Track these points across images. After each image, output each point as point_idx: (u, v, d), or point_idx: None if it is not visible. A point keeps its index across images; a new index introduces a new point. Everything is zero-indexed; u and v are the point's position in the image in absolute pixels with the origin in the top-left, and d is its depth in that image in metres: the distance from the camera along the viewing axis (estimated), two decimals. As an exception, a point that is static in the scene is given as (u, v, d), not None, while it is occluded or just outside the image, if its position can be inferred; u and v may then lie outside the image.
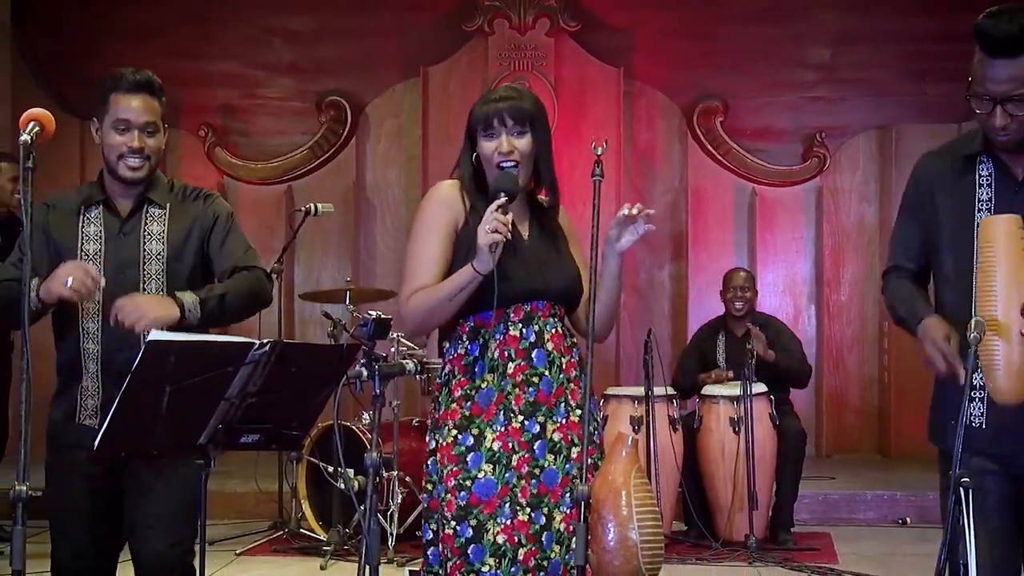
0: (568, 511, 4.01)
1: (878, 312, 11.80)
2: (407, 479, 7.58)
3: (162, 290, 4.45)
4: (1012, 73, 3.69)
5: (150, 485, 4.40)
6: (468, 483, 4.00)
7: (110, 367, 4.38)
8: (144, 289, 4.44)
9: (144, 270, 4.47)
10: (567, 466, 4.04)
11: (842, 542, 8.13)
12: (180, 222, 4.57)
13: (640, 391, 8.02)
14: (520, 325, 4.08)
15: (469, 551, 3.98)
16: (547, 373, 4.07)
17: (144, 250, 4.49)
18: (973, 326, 3.51)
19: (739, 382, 8.06)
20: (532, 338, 4.08)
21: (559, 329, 4.13)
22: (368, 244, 11.99)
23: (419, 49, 11.86)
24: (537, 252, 4.15)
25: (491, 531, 3.98)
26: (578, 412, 4.07)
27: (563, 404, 4.08)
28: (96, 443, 3.70)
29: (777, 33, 11.85)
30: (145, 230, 4.51)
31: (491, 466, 4.01)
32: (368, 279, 11.58)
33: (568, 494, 4.02)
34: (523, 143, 4.09)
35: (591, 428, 3.96)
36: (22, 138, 3.84)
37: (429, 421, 4.23)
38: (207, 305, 4.39)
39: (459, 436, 4.05)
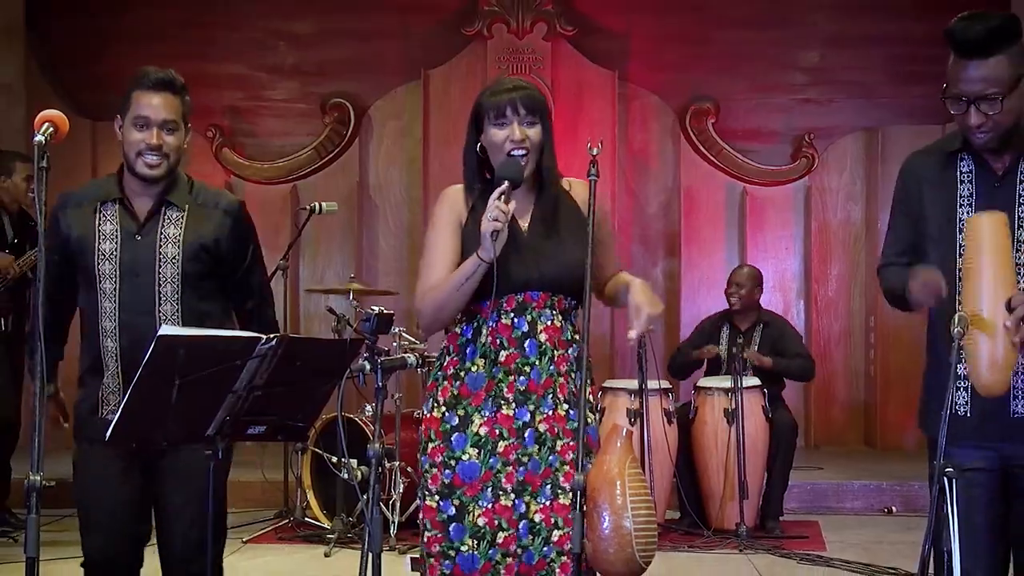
0: (547, 503, 4.00)
1: (864, 307, 11.83)
2: (409, 469, 7.59)
3: (176, 293, 4.44)
4: (984, 74, 3.73)
5: (179, 480, 4.39)
6: (452, 463, 4.02)
7: (131, 365, 4.30)
8: (159, 291, 4.42)
9: (159, 272, 4.44)
10: (550, 457, 4.02)
11: (830, 530, 8.14)
12: (198, 227, 4.52)
13: (635, 384, 8.02)
14: (512, 314, 4.05)
15: (451, 528, 4.01)
16: (537, 363, 4.05)
17: (159, 253, 4.45)
18: (956, 321, 3.53)
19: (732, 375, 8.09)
20: (524, 328, 4.05)
21: (555, 321, 4.08)
22: (371, 242, 11.99)
23: (420, 52, 11.86)
24: (534, 243, 4.10)
25: (473, 513, 3.99)
26: (565, 406, 4.06)
27: (551, 396, 4.05)
28: (108, 433, 3.71)
29: (767, 37, 11.86)
30: (162, 233, 4.47)
31: (476, 450, 4.02)
32: (371, 276, 11.58)
33: (548, 485, 4.01)
34: (534, 132, 4.06)
35: (587, 421, 3.95)
36: (37, 138, 3.84)
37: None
38: None
39: (446, 413, 4.07)
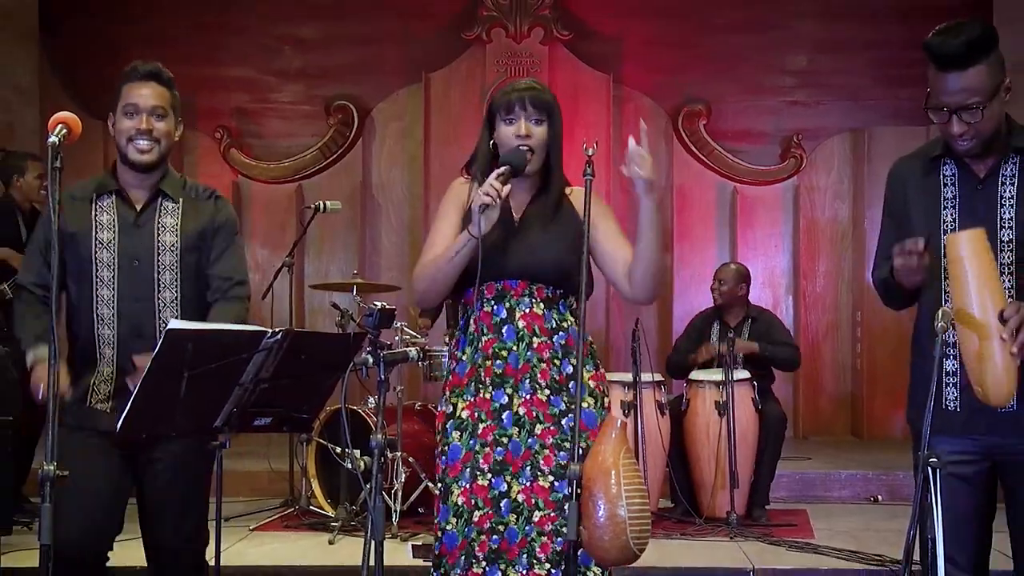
0: (527, 484, 4.04)
1: (851, 302, 11.85)
2: (410, 459, 7.58)
3: (176, 281, 4.43)
4: (963, 84, 3.73)
5: (163, 473, 4.37)
6: (445, 448, 4.12)
7: (126, 352, 4.33)
8: (158, 279, 4.41)
9: (159, 261, 4.43)
10: (529, 440, 4.07)
11: (817, 518, 8.13)
12: (193, 218, 4.52)
13: (629, 377, 8.02)
14: (493, 302, 4.14)
15: (440, 510, 4.09)
16: (515, 348, 4.10)
17: (158, 241, 4.45)
18: (940, 316, 3.53)
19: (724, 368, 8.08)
20: (503, 314, 4.12)
21: (535, 309, 4.13)
22: (374, 239, 12.00)
23: (421, 56, 11.86)
24: (521, 234, 4.17)
25: (455, 493, 4.06)
26: (547, 392, 4.10)
27: (528, 380, 4.09)
28: (119, 425, 3.70)
29: (757, 41, 11.87)
30: (159, 222, 4.47)
31: (459, 433, 4.10)
32: (374, 272, 11.60)
33: (528, 467, 4.05)
34: (540, 131, 4.15)
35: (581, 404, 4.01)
36: (50, 139, 3.83)
37: None
38: None
39: (445, 405, 4.18)
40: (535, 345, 4.12)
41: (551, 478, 4.02)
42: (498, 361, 4.10)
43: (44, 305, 4.44)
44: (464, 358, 4.15)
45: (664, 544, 7.20)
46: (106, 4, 11.69)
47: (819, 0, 11.84)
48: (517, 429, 4.06)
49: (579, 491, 3.74)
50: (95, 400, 4.38)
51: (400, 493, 7.51)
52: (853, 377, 11.90)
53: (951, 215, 3.90)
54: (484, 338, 4.12)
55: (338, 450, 7.72)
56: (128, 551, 4.71)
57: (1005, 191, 3.86)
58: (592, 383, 4.16)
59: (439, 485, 4.14)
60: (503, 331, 4.11)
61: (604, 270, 4.27)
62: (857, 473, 9.21)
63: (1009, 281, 3.81)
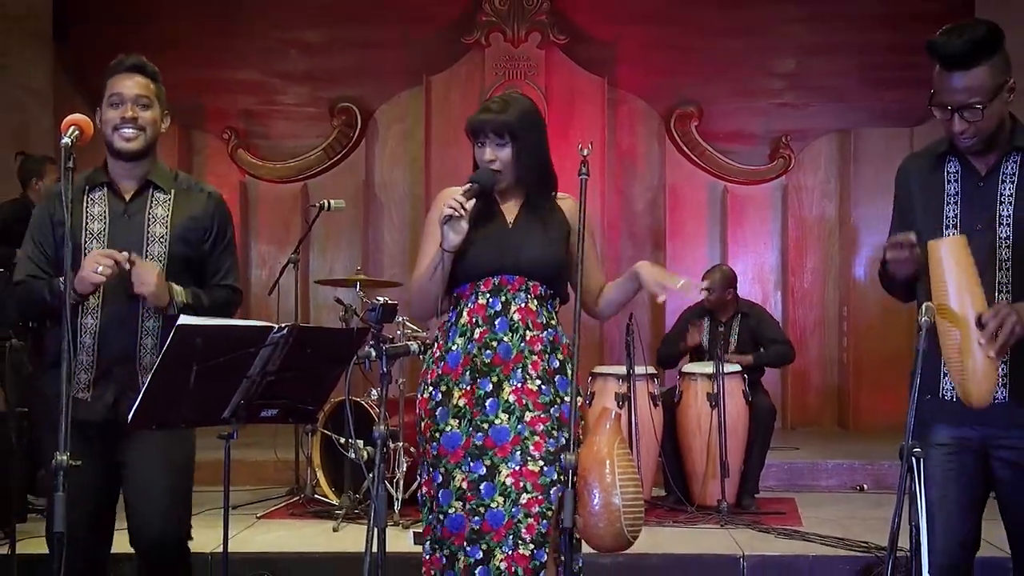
0: (517, 468, 4.06)
1: (838, 298, 11.84)
2: (412, 449, 7.58)
3: (163, 270, 4.32)
4: (966, 84, 3.73)
5: (144, 465, 4.30)
6: (437, 435, 4.13)
7: (106, 342, 4.29)
8: None
9: (147, 251, 4.35)
10: (519, 426, 4.09)
11: (805, 506, 8.13)
12: (184, 209, 4.46)
13: (623, 370, 8.02)
14: (488, 295, 4.18)
15: (440, 495, 4.11)
16: (507, 339, 4.14)
17: (148, 232, 4.39)
18: (924, 310, 3.54)
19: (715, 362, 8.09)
20: (498, 307, 4.16)
21: (530, 304, 4.19)
22: (376, 237, 12.00)
23: (422, 60, 11.85)
24: (516, 234, 4.23)
25: (457, 479, 4.08)
26: (538, 382, 4.14)
27: (520, 370, 4.13)
28: (130, 418, 3.69)
29: (747, 46, 11.85)
30: (150, 213, 4.42)
31: (456, 420, 4.12)
32: (376, 268, 11.60)
33: (517, 452, 4.07)
34: (504, 153, 4.19)
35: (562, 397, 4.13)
36: (63, 141, 3.83)
37: None
38: (187, 311, 4.22)
39: (432, 392, 4.19)
40: (528, 338, 4.16)
41: (541, 463, 4.05)
42: (487, 351, 4.13)
43: None
44: (455, 348, 4.17)
45: (657, 531, 7.20)
46: (117, 10, 11.67)
47: (806, 6, 11.82)
48: (506, 416, 4.09)
49: (575, 480, 3.76)
50: (75, 389, 4.27)
51: (402, 482, 7.51)
52: (840, 370, 11.90)
53: (953, 211, 3.91)
54: (478, 329, 4.16)
55: (342, 440, 7.72)
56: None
57: (1005, 188, 3.86)
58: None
59: (432, 471, 4.14)
60: (495, 323, 4.15)
61: (572, 280, 4.31)
62: (843, 463, 9.21)
63: (1005, 276, 3.82)
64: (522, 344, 4.14)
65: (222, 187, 4.82)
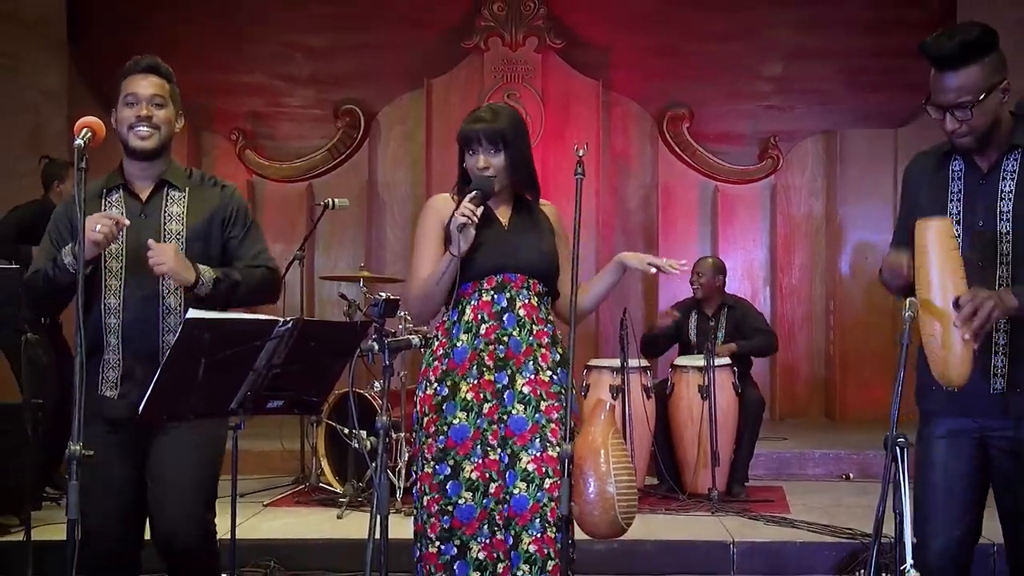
0: (538, 454, 4.08)
1: (825, 293, 11.85)
2: (413, 439, 7.57)
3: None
4: (957, 84, 3.74)
5: (168, 458, 4.23)
6: (445, 428, 4.14)
7: (130, 341, 4.24)
8: None
9: None
10: (536, 415, 4.13)
11: (793, 494, 8.13)
12: (199, 205, 4.40)
13: (617, 363, 8.02)
14: (493, 292, 4.21)
15: (448, 487, 4.11)
16: (516, 334, 4.18)
17: (164, 230, 4.32)
18: (908, 306, 3.54)
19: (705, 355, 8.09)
20: (504, 303, 4.20)
21: (532, 300, 4.24)
22: (379, 234, 12.00)
23: (423, 63, 11.85)
24: (514, 235, 4.28)
25: (466, 469, 4.10)
26: (548, 373, 4.19)
27: (532, 362, 4.18)
28: (141, 409, 3.68)
29: (737, 50, 11.85)
30: (165, 211, 4.35)
31: (464, 413, 4.14)
32: (379, 265, 11.60)
33: (537, 439, 4.10)
34: (497, 160, 4.23)
35: (571, 397, 4.15)
36: (76, 142, 3.81)
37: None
38: (219, 285, 4.25)
39: (437, 387, 4.19)
40: (535, 332, 4.21)
41: (559, 449, 4.03)
42: (500, 346, 4.16)
43: None
44: (461, 345, 4.18)
45: (650, 518, 7.20)
46: (130, 16, 11.66)
47: (793, 12, 11.82)
48: (522, 406, 4.12)
49: (571, 469, 3.77)
50: (104, 387, 4.27)
51: (404, 471, 7.51)
52: (826, 363, 11.90)
53: (956, 207, 3.92)
54: (484, 325, 4.18)
55: (346, 431, 7.72)
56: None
57: (1005, 185, 3.86)
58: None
59: (436, 464, 4.13)
60: (504, 318, 4.19)
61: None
62: (830, 452, 9.21)
63: (1006, 271, 3.82)
64: (530, 338, 4.19)
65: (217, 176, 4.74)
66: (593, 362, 8.48)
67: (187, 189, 4.42)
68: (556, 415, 4.13)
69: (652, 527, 6.97)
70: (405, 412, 7.61)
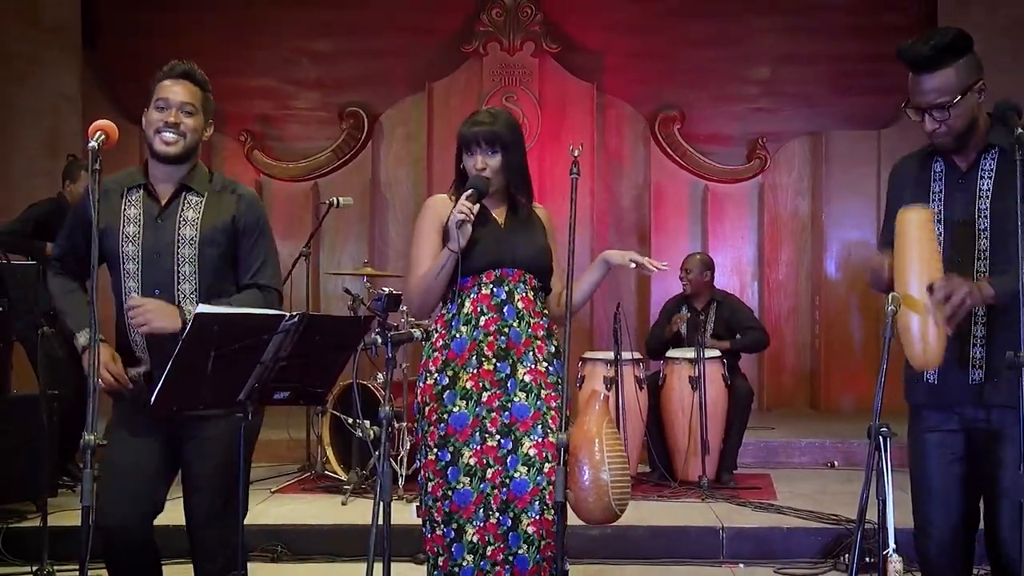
0: (539, 440, 4.10)
1: (810, 288, 11.84)
2: (414, 428, 7.58)
3: (194, 273, 4.20)
4: (932, 85, 3.75)
5: (204, 451, 4.19)
6: (445, 416, 4.15)
7: (155, 343, 4.14)
8: (178, 272, 4.19)
9: (178, 254, 4.19)
10: (538, 403, 4.15)
11: (780, 482, 8.13)
12: (215, 210, 4.29)
13: (611, 355, 8.01)
14: (492, 286, 4.22)
15: (448, 472, 4.13)
16: (516, 326, 4.20)
17: (179, 235, 4.21)
18: (890, 300, 3.54)
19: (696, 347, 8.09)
20: (503, 296, 4.22)
21: (529, 294, 4.25)
22: (382, 231, 11.99)
23: (425, 67, 11.86)
24: (511, 232, 4.30)
25: (465, 455, 4.12)
26: (545, 364, 4.21)
27: (531, 352, 4.19)
28: (151, 400, 3.67)
29: (726, 54, 11.86)
30: (181, 216, 4.24)
31: (464, 402, 4.15)
32: (382, 261, 11.59)
33: (539, 426, 4.12)
34: (494, 161, 4.25)
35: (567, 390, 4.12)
36: (90, 144, 3.79)
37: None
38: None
39: (438, 377, 4.20)
40: (532, 324, 4.23)
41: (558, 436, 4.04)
42: (501, 337, 4.17)
43: (74, 279, 4.39)
44: (460, 336, 4.19)
45: (642, 505, 7.20)
46: (143, 21, 11.67)
47: (780, 18, 11.82)
48: (524, 394, 4.14)
49: (566, 457, 3.78)
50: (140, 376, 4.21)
51: (406, 459, 7.51)
52: (812, 355, 11.90)
53: (937, 206, 3.92)
54: (484, 317, 4.19)
55: (350, 421, 7.72)
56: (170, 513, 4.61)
57: (983, 184, 3.86)
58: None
59: (438, 451, 4.14)
60: (504, 311, 4.20)
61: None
62: (815, 441, 9.21)
63: (983, 266, 3.82)
64: (529, 330, 4.20)
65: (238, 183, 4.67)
66: (588, 354, 8.48)
67: (206, 195, 4.32)
68: (555, 403, 4.14)
69: (644, 513, 6.97)
70: (407, 402, 7.61)
